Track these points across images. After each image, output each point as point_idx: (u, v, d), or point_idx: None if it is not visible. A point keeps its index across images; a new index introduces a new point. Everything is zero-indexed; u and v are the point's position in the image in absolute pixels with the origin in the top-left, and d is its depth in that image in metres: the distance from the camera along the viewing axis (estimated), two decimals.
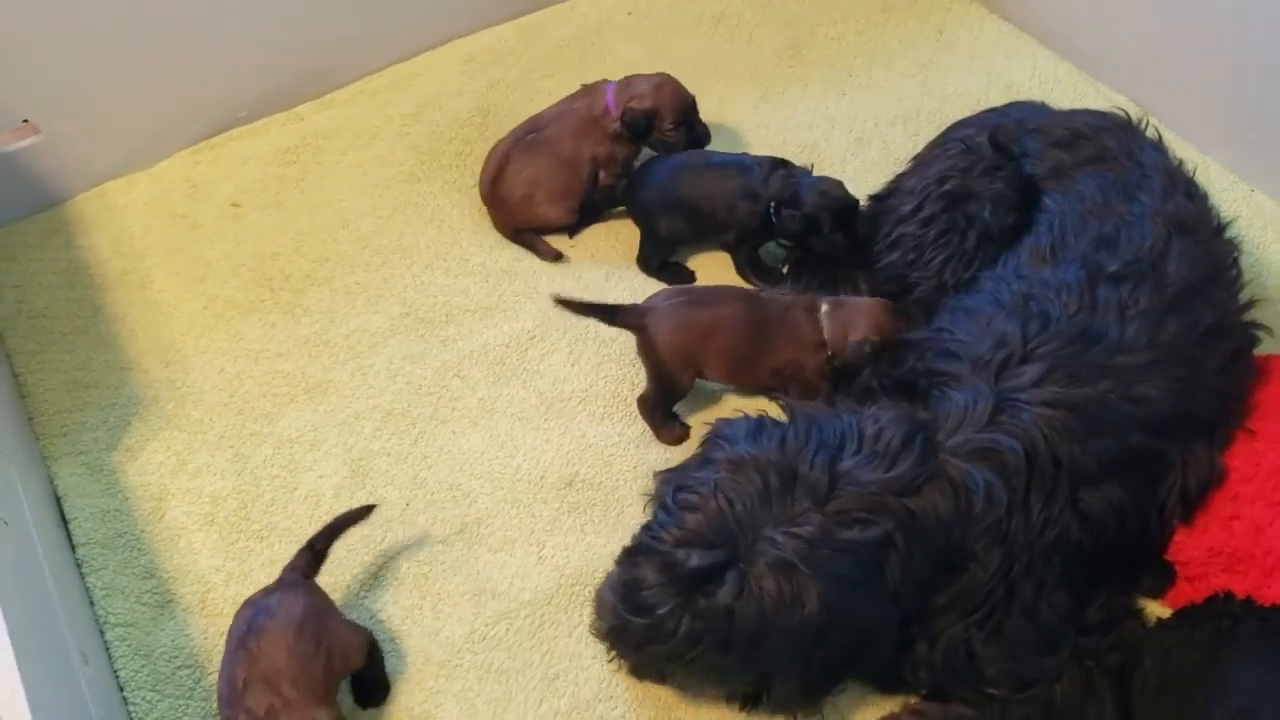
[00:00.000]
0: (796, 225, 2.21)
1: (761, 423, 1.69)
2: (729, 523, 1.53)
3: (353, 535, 1.95)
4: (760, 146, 2.62)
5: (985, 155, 2.11)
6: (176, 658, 1.86)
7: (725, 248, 2.39)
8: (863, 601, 1.56)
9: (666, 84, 2.40)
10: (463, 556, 1.97)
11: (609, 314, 2.05)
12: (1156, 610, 1.83)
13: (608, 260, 2.44)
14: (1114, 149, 2.03)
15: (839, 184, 2.23)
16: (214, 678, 1.80)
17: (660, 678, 1.74)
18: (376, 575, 1.95)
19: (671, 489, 1.63)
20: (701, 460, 1.68)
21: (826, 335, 2.03)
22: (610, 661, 1.75)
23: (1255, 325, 1.92)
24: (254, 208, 2.52)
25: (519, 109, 2.65)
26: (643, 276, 2.39)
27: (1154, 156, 2.02)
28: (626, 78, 2.44)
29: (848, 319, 2.03)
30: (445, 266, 2.40)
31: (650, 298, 2.10)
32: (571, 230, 2.47)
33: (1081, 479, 1.66)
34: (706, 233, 2.37)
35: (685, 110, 2.41)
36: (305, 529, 1.93)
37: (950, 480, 1.62)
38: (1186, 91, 2.54)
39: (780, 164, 2.30)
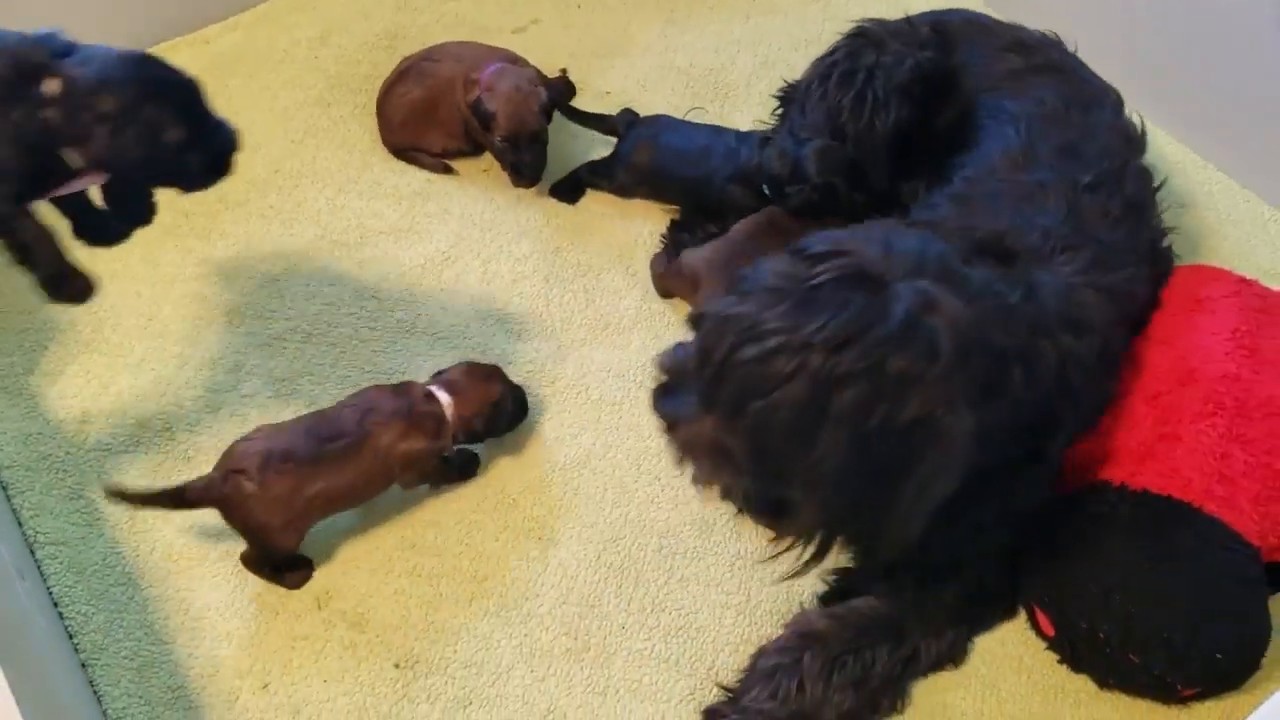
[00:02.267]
0: (811, 197, 2.16)
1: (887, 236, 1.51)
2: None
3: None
4: (668, 71, 2.68)
5: (903, 36, 2.18)
6: (109, 575, 1.90)
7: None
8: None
9: (521, 102, 2.28)
10: None
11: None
12: None
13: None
14: (1062, 62, 2.14)
15: (833, 145, 2.17)
16: (148, 591, 1.87)
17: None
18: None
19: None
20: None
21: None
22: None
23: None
24: None
25: (428, 32, 2.67)
26: (551, 200, 2.45)
27: (1096, 76, 2.14)
28: (509, 69, 2.35)
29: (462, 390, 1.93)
30: (358, 190, 2.43)
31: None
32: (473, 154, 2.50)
33: (1112, 363, 1.80)
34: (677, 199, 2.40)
35: (517, 134, 2.28)
36: None
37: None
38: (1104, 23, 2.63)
39: (765, 139, 2.29)
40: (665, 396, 1.60)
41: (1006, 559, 1.83)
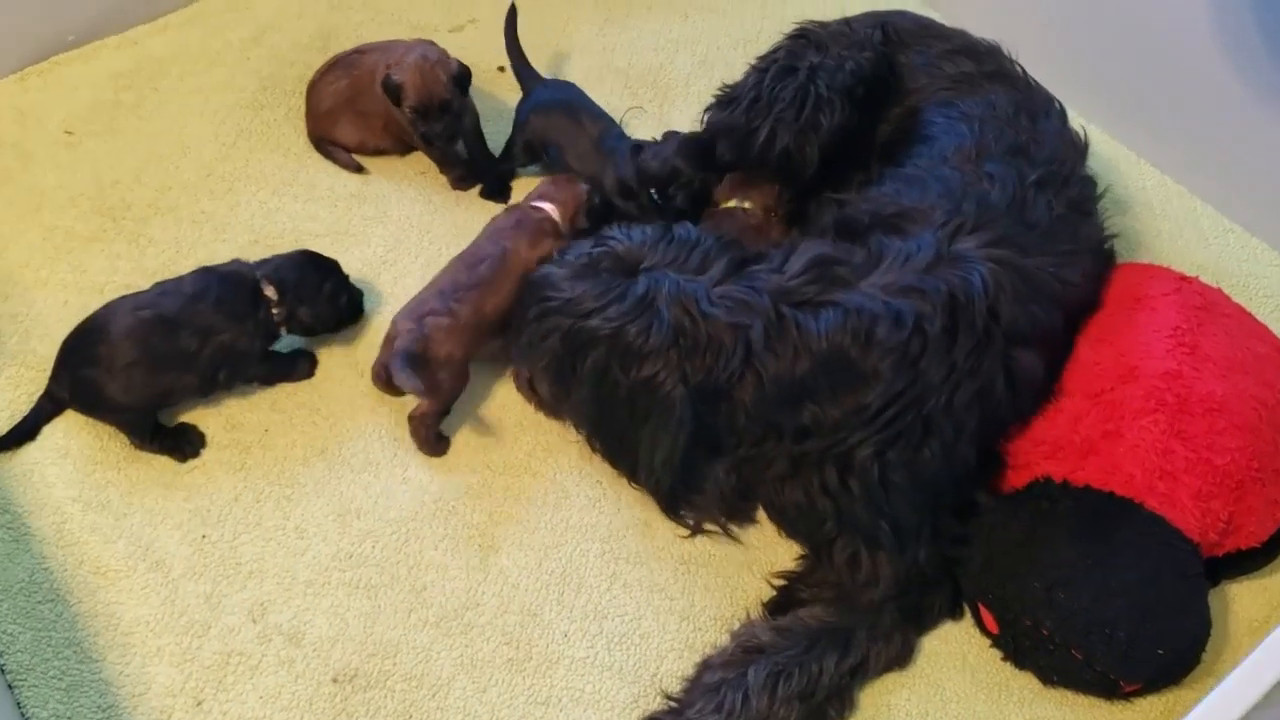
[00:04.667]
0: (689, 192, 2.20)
1: (668, 228, 1.88)
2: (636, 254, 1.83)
3: (209, 458, 1.99)
4: (606, 71, 2.67)
5: (844, 39, 2.20)
6: (36, 592, 1.84)
7: None
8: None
9: (428, 71, 2.24)
10: (325, 478, 2.00)
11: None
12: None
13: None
14: (1009, 70, 2.19)
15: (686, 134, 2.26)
16: (76, 607, 1.81)
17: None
18: (236, 499, 1.96)
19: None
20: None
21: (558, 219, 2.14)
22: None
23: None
24: (89, 135, 2.45)
25: (362, 31, 2.64)
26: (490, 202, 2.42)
27: (1041, 87, 2.17)
28: (418, 44, 2.32)
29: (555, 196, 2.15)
30: (293, 193, 2.38)
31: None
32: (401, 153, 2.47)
33: (1016, 339, 1.78)
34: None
35: (426, 104, 2.25)
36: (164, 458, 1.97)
37: (850, 305, 1.72)
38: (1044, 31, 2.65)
39: (637, 147, 2.27)
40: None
41: (938, 544, 1.83)
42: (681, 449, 1.78)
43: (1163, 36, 2.43)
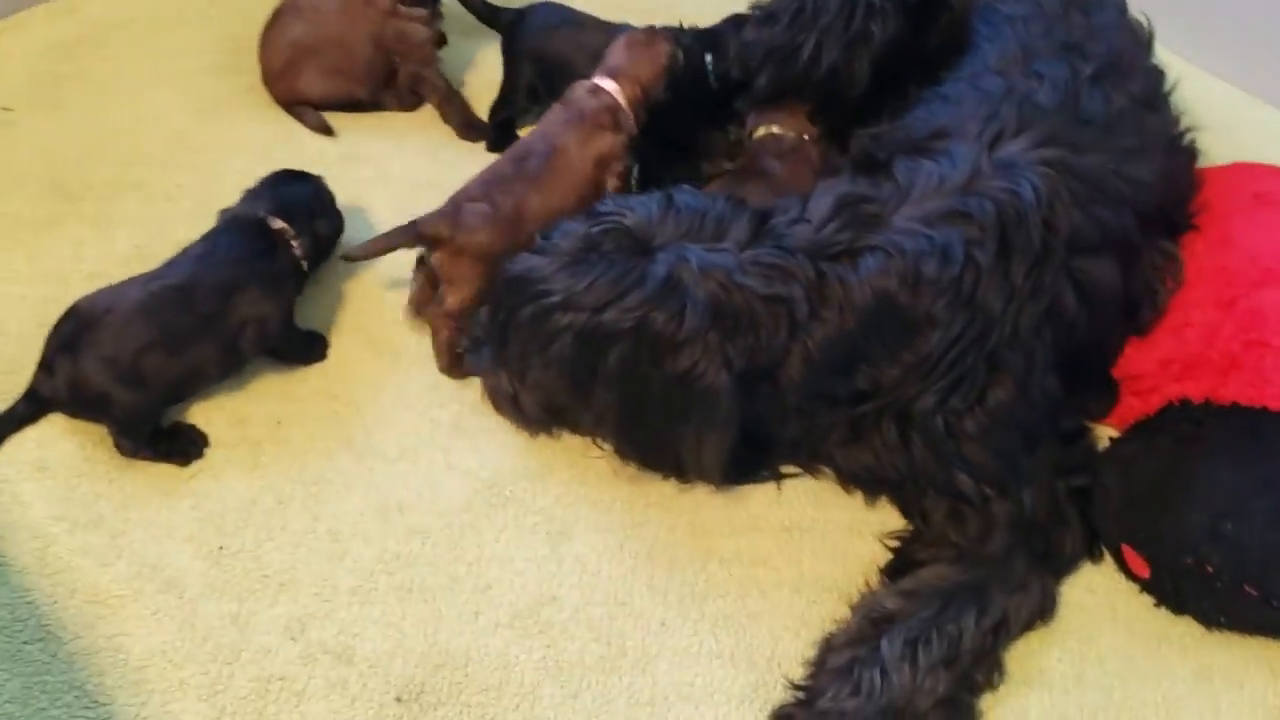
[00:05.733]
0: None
1: (669, 195, 1.59)
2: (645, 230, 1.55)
3: (215, 459, 1.72)
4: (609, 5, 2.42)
5: None
6: (20, 631, 1.54)
7: None
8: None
9: None
10: (355, 471, 1.73)
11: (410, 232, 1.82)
12: (1105, 431, 1.78)
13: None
14: None
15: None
16: (72, 645, 1.51)
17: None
18: (254, 502, 1.68)
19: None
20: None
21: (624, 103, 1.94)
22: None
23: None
24: (30, 111, 2.17)
25: None
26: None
27: None
28: None
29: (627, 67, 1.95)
30: (278, 159, 2.06)
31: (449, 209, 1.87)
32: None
33: (1080, 247, 1.59)
34: None
35: None
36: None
37: (890, 247, 1.51)
38: None
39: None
40: (474, 352, 1.76)
41: (1046, 482, 1.65)
42: (730, 444, 1.54)
43: None
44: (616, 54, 1.95)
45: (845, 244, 1.52)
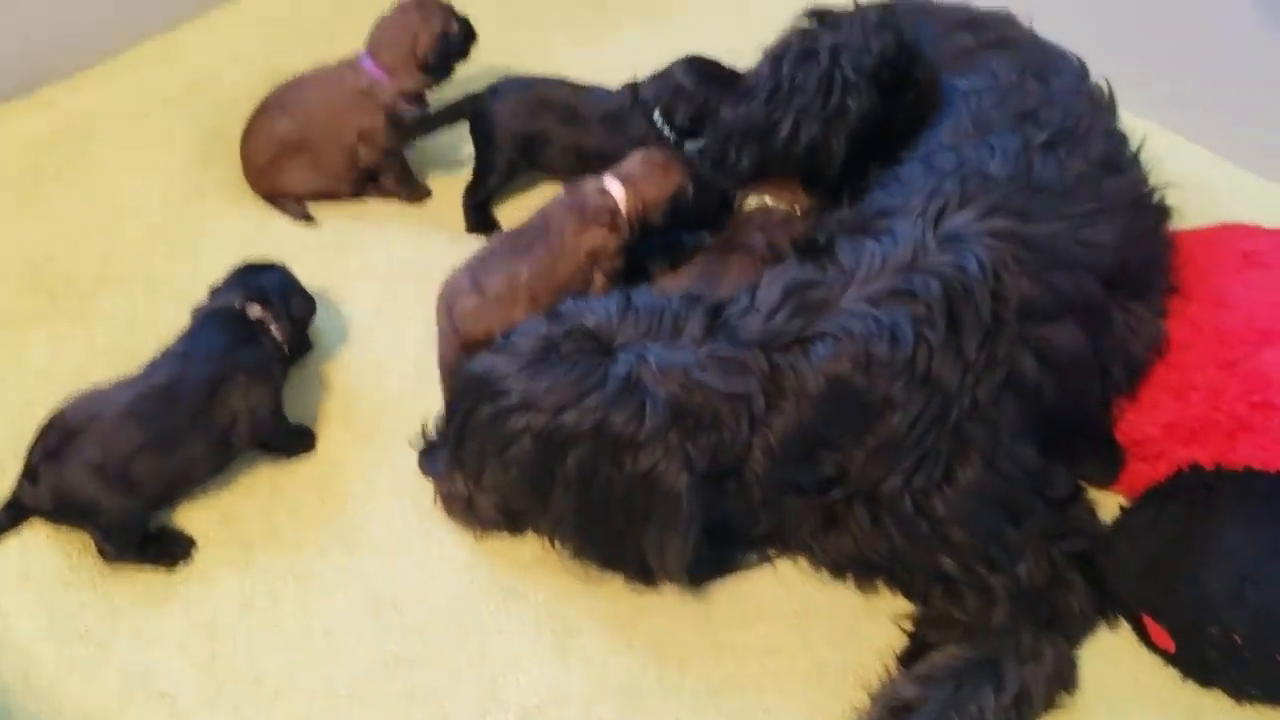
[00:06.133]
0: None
1: (627, 296, 1.58)
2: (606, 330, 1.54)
3: (205, 559, 1.67)
4: None
5: (857, 21, 1.99)
6: None
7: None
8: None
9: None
10: (348, 567, 1.68)
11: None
12: (1113, 500, 1.74)
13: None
14: (1016, 36, 2.01)
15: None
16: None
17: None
18: (246, 603, 1.63)
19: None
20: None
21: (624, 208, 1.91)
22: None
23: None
24: (9, 207, 2.12)
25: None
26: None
27: (1054, 46, 2.00)
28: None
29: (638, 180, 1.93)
30: (260, 249, 2.02)
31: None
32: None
33: (1036, 314, 1.56)
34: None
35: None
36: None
37: (839, 332, 1.49)
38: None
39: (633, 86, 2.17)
40: (428, 454, 1.72)
41: (1040, 550, 1.60)
42: (694, 545, 1.51)
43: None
44: (632, 164, 1.94)
45: (795, 332, 1.50)
